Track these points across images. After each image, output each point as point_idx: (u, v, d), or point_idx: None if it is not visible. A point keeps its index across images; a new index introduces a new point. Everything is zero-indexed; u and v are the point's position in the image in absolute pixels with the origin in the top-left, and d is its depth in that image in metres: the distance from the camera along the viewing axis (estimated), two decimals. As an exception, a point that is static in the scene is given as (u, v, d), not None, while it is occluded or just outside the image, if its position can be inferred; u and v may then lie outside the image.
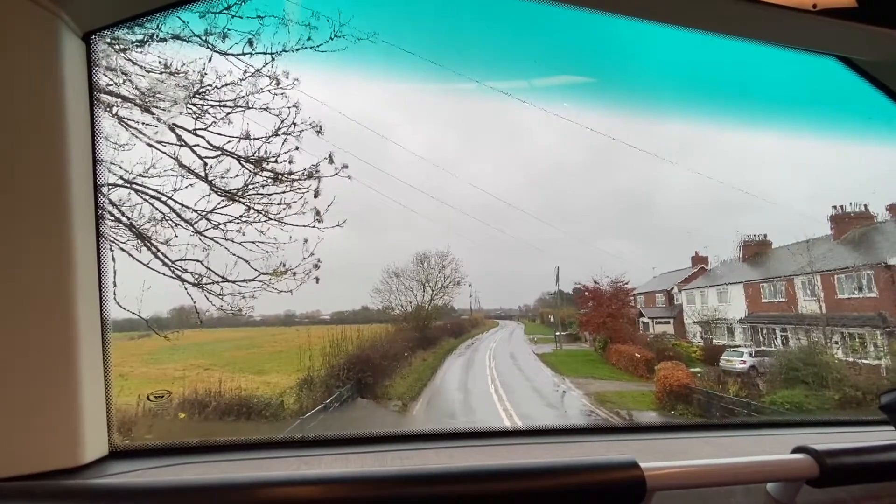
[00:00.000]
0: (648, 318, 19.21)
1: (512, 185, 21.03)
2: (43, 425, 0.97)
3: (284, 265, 4.52)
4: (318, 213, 3.82)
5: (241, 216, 3.70)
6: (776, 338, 13.87)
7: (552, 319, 20.81)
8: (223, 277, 3.83)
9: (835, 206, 14.10)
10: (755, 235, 17.32)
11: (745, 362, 12.42)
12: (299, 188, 3.74)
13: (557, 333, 19.59)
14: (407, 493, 0.84)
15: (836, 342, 11.09)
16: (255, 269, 3.89)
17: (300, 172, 3.73)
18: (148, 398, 6.71)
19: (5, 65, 0.93)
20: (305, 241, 4.66)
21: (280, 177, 3.66)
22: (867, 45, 1.24)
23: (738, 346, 14.41)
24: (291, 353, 10.41)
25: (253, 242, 3.83)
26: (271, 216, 3.75)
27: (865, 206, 13.76)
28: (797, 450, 1.09)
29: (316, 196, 3.80)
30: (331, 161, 3.91)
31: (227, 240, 3.74)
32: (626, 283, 16.58)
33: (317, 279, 4.38)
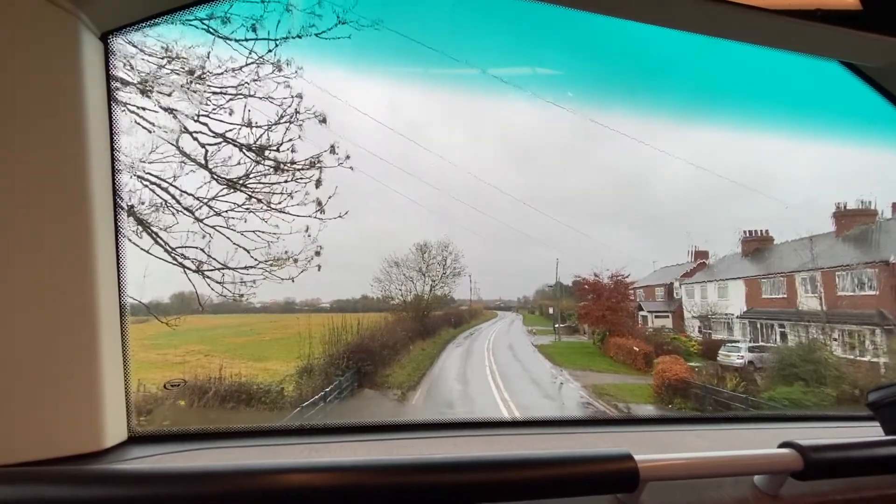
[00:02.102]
0: (648, 311, 19.18)
1: (519, 176, 20.89)
2: (65, 411, 1.00)
3: (287, 253, 4.50)
4: (319, 203, 3.77)
5: (242, 204, 3.67)
6: (775, 333, 13.89)
7: (552, 311, 20.82)
8: (224, 265, 3.81)
9: (837, 203, 14.03)
10: (756, 232, 17.28)
11: (742, 357, 12.47)
12: (301, 177, 3.69)
13: (556, 325, 19.63)
14: (413, 481, 0.87)
15: (836, 339, 11.10)
16: (255, 259, 3.86)
17: (302, 162, 3.67)
18: (165, 387, 6.87)
19: (26, 65, 0.95)
20: (307, 228, 4.64)
21: (282, 166, 3.60)
22: (871, 50, 1.25)
23: (737, 341, 14.43)
24: (291, 340, 10.47)
25: (254, 231, 3.80)
26: (273, 205, 3.71)
27: (869, 202, 13.64)
28: (784, 444, 1.13)
29: (318, 186, 3.75)
30: (333, 151, 3.84)
31: (228, 227, 3.71)
32: (626, 277, 16.55)
33: (318, 267, 4.36)
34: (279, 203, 3.73)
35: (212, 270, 3.79)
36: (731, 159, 19.85)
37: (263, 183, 3.60)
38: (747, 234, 17.27)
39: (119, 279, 1.15)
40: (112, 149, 1.14)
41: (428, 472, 0.89)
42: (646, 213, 22.14)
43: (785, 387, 8.97)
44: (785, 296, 13.91)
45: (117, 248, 1.14)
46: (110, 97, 1.14)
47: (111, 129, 1.14)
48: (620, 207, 22.16)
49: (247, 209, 3.67)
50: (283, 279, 4.13)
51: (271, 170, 3.57)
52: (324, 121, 3.61)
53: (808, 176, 19.20)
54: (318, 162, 3.75)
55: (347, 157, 3.88)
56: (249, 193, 3.60)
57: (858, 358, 10.19)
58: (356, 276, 16.34)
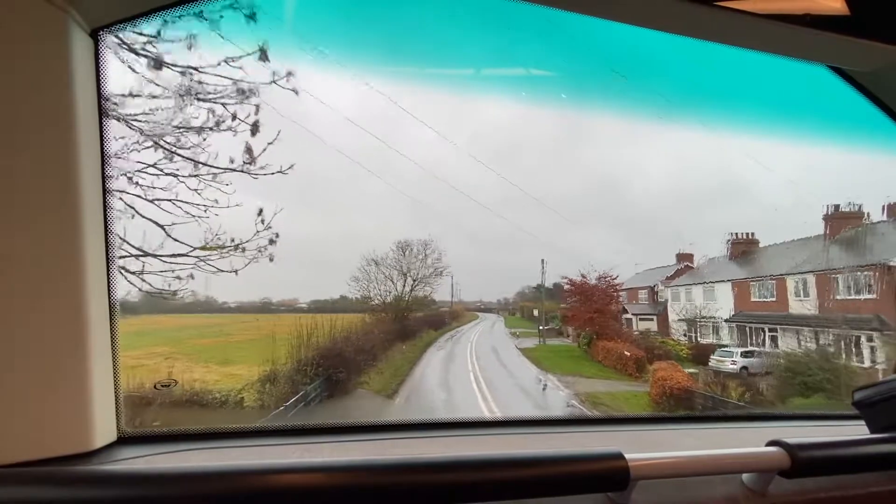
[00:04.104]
0: (632, 314, 18.91)
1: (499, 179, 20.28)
2: (54, 411, 0.99)
3: (233, 240, 3.58)
4: (249, 151, 2.75)
5: (155, 164, 2.67)
6: (764, 338, 13.54)
7: (536, 313, 20.27)
8: (141, 251, 2.86)
9: (827, 205, 13.77)
10: (744, 234, 17.14)
11: (736, 363, 11.97)
12: (231, 121, 2.69)
13: (541, 328, 19.08)
14: (405, 480, 0.88)
15: (837, 345, 10.66)
16: (174, 239, 2.87)
17: (227, 83, 2.63)
18: (155, 387, 6.48)
19: (16, 61, 0.95)
20: (260, 212, 3.73)
21: (195, 84, 2.55)
22: (858, 56, 1.26)
23: (728, 345, 14.04)
24: (262, 342, 9.76)
25: (171, 200, 2.78)
26: (196, 160, 2.71)
27: (859, 205, 13.44)
28: (771, 443, 1.16)
29: (254, 133, 2.77)
30: (263, 57, 2.76)
31: (145, 199, 2.73)
32: (615, 278, 16.00)
33: (271, 257, 3.47)
34: (197, 150, 2.70)
35: (125, 257, 2.84)
36: (715, 161, 19.67)
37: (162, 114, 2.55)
38: (734, 237, 17.11)
39: (109, 278, 1.14)
40: (102, 146, 1.12)
41: (419, 472, 0.90)
42: (628, 214, 21.79)
43: (801, 398, 8.33)
44: (775, 299, 13.59)
45: (107, 246, 1.12)
46: (100, 94, 1.12)
47: (101, 127, 1.12)
48: (601, 209, 21.73)
49: (171, 175, 2.69)
50: (219, 270, 3.21)
51: (187, 103, 2.58)
52: (253, 18, 2.57)
53: (795, 179, 19.12)
54: (251, 91, 2.76)
55: (289, 75, 2.89)
56: (166, 147, 2.60)
57: (875, 366, 9.74)
58: (336, 274, 15.37)
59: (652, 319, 18.62)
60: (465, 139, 19.56)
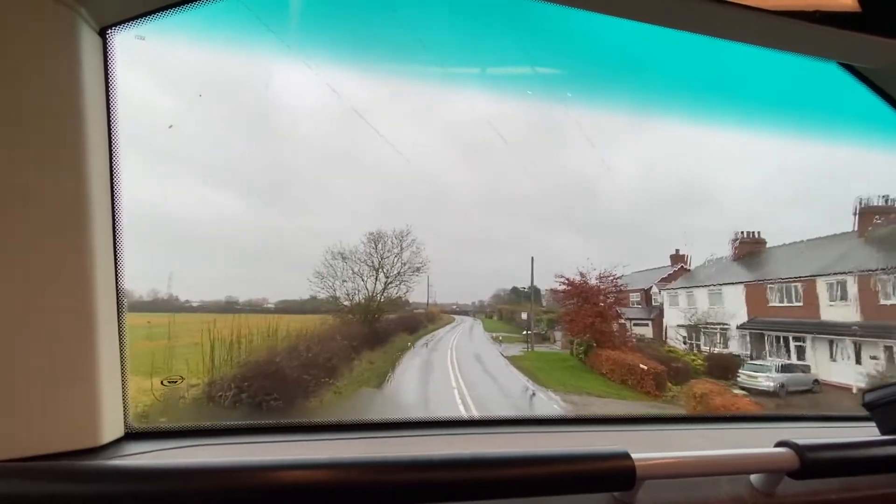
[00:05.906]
0: (625, 318, 17.29)
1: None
2: (61, 407, 0.99)
3: None
4: None
5: None
6: (789, 348, 11.87)
7: (524, 317, 18.34)
8: None
9: (860, 199, 12.26)
10: (750, 233, 15.77)
11: (772, 378, 10.09)
12: None
13: (527, 332, 17.21)
14: (412, 478, 0.87)
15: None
16: None
17: None
18: (161, 383, 6.06)
19: (24, 59, 0.93)
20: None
21: None
22: (869, 52, 1.26)
23: (744, 356, 12.28)
24: (211, 345, 7.76)
25: None
26: None
27: (890, 198, 11.97)
28: (780, 443, 1.14)
29: None
30: None
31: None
32: (618, 278, 14.03)
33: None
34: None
35: None
36: (713, 161, 18.34)
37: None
38: (743, 235, 15.66)
39: (116, 274, 1.14)
40: (110, 145, 1.12)
41: (426, 469, 0.90)
42: (613, 216, 20.21)
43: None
44: (802, 304, 11.94)
45: (115, 243, 1.12)
46: (109, 93, 1.11)
47: (109, 126, 1.11)
48: (584, 210, 20.08)
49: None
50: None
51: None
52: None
53: (800, 176, 17.88)
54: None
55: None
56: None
57: None
58: (306, 272, 13.03)
59: (647, 325, 17.24)
60: (438, 138, 17.53)
